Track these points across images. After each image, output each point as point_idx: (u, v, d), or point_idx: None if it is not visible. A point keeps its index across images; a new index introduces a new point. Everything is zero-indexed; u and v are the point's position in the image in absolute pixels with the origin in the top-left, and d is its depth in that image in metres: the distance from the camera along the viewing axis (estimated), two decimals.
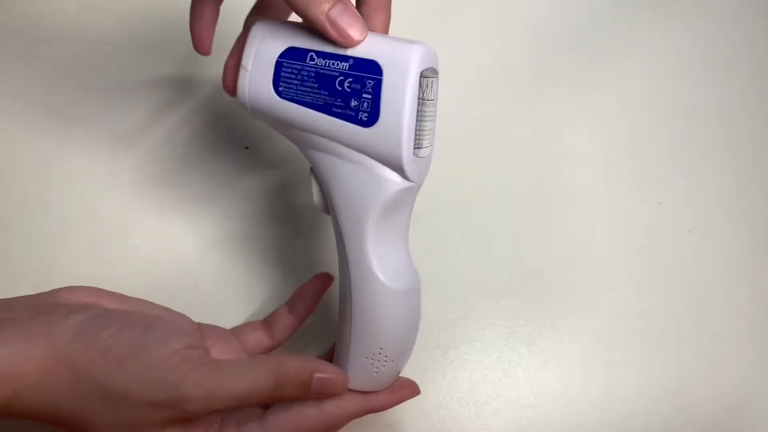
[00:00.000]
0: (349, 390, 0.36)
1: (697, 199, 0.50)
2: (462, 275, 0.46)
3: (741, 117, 0.53)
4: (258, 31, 0.35)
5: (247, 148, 0.48)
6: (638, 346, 0.46)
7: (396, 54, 0.32)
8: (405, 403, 0.38)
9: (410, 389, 0.38)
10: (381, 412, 0.38)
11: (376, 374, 0.36)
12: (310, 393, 0.34)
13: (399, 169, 0.33)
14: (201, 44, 0.37)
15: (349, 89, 0.32)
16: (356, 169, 0.33)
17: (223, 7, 0.37)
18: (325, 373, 0.35)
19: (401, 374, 0.38)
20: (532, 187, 0.49)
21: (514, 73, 0.52)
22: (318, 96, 0.33)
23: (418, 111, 0.32)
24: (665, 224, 0.49)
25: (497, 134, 0.51)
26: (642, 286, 0.47)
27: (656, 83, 0.53)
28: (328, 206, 0.36)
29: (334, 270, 0.38)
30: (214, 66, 0.51)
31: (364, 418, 0.37)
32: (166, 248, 0.46)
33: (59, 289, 0.36)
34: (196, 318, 0.38)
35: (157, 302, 0.38)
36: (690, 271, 0.48)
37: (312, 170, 0.36)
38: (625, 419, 0.44)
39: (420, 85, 0.32)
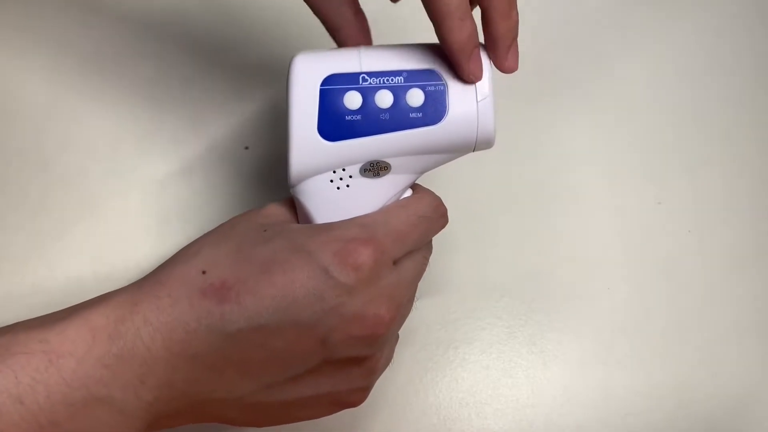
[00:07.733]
0: None
1: (697, 199, 0.50)
2: (462, 275, 0.46)
3: (741, 117, 0.53)
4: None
5: (247, 147, 0.48)
6: (638, 346, 0.46)
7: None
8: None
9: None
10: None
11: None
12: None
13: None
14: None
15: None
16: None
17: None
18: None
19: None
20: (532, 187, 0.49)
21: (514, 72, 0.52)
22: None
23: None
24: (665, 224, 0.49)
25: (497, 134, 0.50)
26: (642, 286, 0.47)
27: (656, 83, 0.53)
28: None
29: None
30: (214, 66, 0.51)
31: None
32: (167, 249, 0.45)
33: None
34: None
35: None
36: (690, 271, 0.48)
37: None
38: (625, 419, 0.44)
39: None
